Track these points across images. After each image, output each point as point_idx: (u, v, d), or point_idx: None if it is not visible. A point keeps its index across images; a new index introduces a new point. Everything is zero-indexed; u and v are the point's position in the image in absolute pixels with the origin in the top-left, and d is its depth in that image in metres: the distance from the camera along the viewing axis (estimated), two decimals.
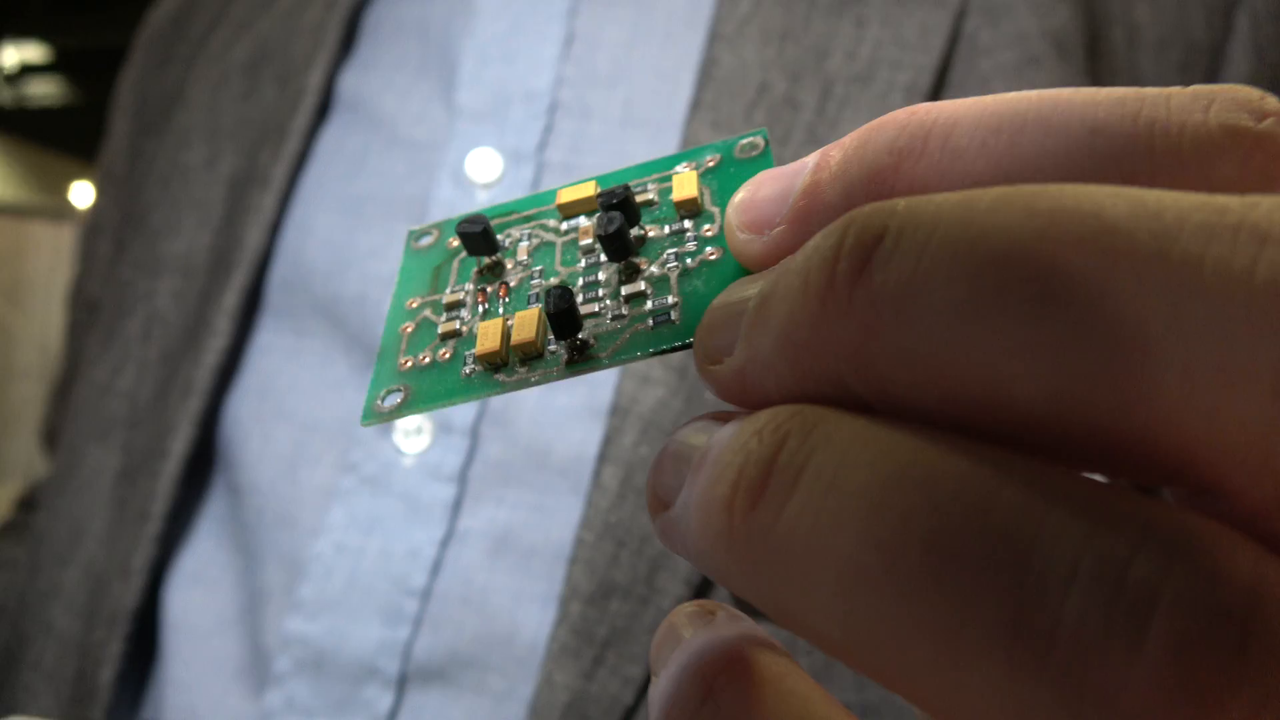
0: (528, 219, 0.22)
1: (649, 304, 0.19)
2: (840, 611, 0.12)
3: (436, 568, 0.44)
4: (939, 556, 0.12)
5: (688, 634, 0.16)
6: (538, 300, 0.20)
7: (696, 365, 0.17)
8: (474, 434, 0.45)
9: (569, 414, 0.45)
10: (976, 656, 0.11)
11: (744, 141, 0.21)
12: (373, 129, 0.52)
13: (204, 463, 0.50)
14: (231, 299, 0.50)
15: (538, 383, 0.18)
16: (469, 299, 0.20)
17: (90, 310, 0.61)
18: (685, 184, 0.20)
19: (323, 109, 0.54)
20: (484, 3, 0.52)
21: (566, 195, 0.21)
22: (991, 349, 0.12)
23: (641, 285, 0.19)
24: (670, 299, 0.19)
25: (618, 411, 0.42)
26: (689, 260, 0.19)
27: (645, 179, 0.22)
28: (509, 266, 0.21)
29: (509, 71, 0.50)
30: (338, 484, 0.47)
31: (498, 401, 0.46)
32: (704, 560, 0.14)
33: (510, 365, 0.19)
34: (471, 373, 0.19)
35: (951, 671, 0.11)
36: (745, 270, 0.18)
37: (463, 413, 0.46)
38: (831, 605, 0.12)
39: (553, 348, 0.19)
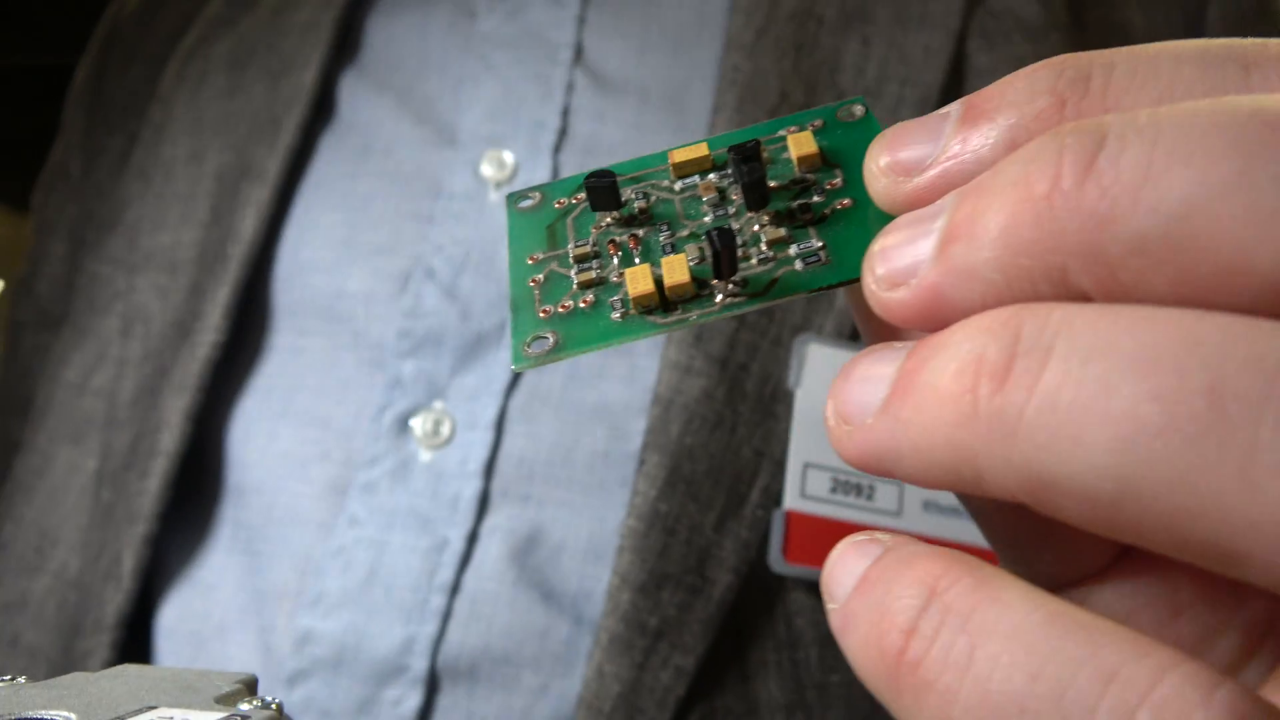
0: (635, 180, 0.23)
1: (793, 248, 0.20)
2: (1116, 466, 0.13)
3: (465, 562, 0.43)
4: (1221, 398, 0.13)
5: (873, 552, 0.16)
6: (671, 249, 0.21)
7: (868, 294, 0.17)
8: (498, 429, 0.44)
9: (595, 409, 0.44)
10: (1271, 477, 0.12)
11: (844, 108, 0.23)
12: (375, 130, 0.51)
13: (193, 461, 0.47)
14: (225, 293, 0.47)
15: (696, 320, 0.20)
16: (600, 250, 0.21)
17: (40, 311, 0.57)
18: (804, 142, 0.22)
19: (318, 109, 0.52)
20: (490, 9, 0.52)
21: (680, 156, 0.22)
22: (1237, 220, 0.13)
23: (783, 230, 0.21)
24: (815, 242, 0.20)
25: (659, 402, 0.42)
26: (824, 209, 0.21)
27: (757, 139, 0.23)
28: (626, 219, 0.22)
29: (520, 73, 0.50)
30: (354, 478, 0.45)
31: (522, 397, 0.45)
32: (938, 449, 0.15)
33: (664, 307, 0.20)
34: (624, 316, 0.20)
35: (1244, 497, 0.12)
36: (885, 213, 0.20)
37: (486, 408, 0.45)
38: (1106, 461, 0.13)
39: (703, 290, 0.20)
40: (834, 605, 0.16)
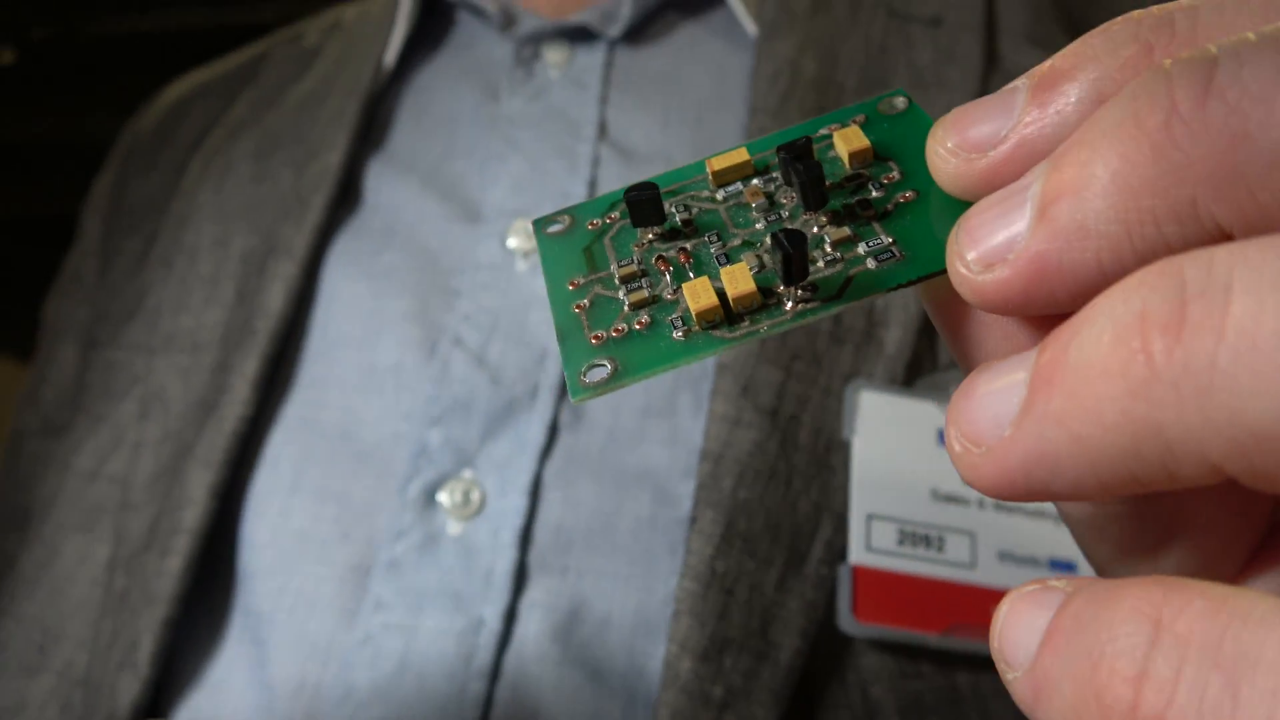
0: (673, 193, 0.21)
1: (861, 246, 0.19)
2: None
3: (504, 643, 0.40)
4: None
5: (1053, 600, 0.13)
6: (726, 259, 0.20)
7: (960, 282, 0.16)
8: (533, 495, 0.42)
9: (638, 474, 0.42)
10: None
11: (885, 101, 0.22)
12: (399, 209, 0.51)
13: (207, 544, 0.44)
14: (253, 365, 0.45)
15: (768, 332, 0.18)
16: (648, 268, 0.20)
17: (44, 419, 0.55)
18: (853, 137, 0.21)
19: (344, 192, 0.52)
20: (512, 92, 0.52)
21: (720, 163, 0.21)
22: None
23: (848, 229, 0.19)
24: (885, 238, 0.19)
25: (709, 456, 0.40)
26: (885, 204, 0.20)
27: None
28: (670, 233, 0.21)
29: (545, 149, 0.50)
30: (378, 557, 0.42)
31: (557, 462, 0.42)
32: (1110, 433, 0.13)
33: (729, 321, 0.18)
34: (687, 334, 0.19)
35: None
36: (957, 200, 0.18)
37: (518, 474, 0.42)
38: None
39: (769, 299, 0.19)
40: (1015, 674, 0.13)
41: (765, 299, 0.18)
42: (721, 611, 0.37)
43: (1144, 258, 0.14)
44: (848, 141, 0.20)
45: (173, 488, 0.45)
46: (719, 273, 0.19)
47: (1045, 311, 0.15)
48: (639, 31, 0.54)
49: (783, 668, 0.37)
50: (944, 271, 0.18)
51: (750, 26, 0.52)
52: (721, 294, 0.18)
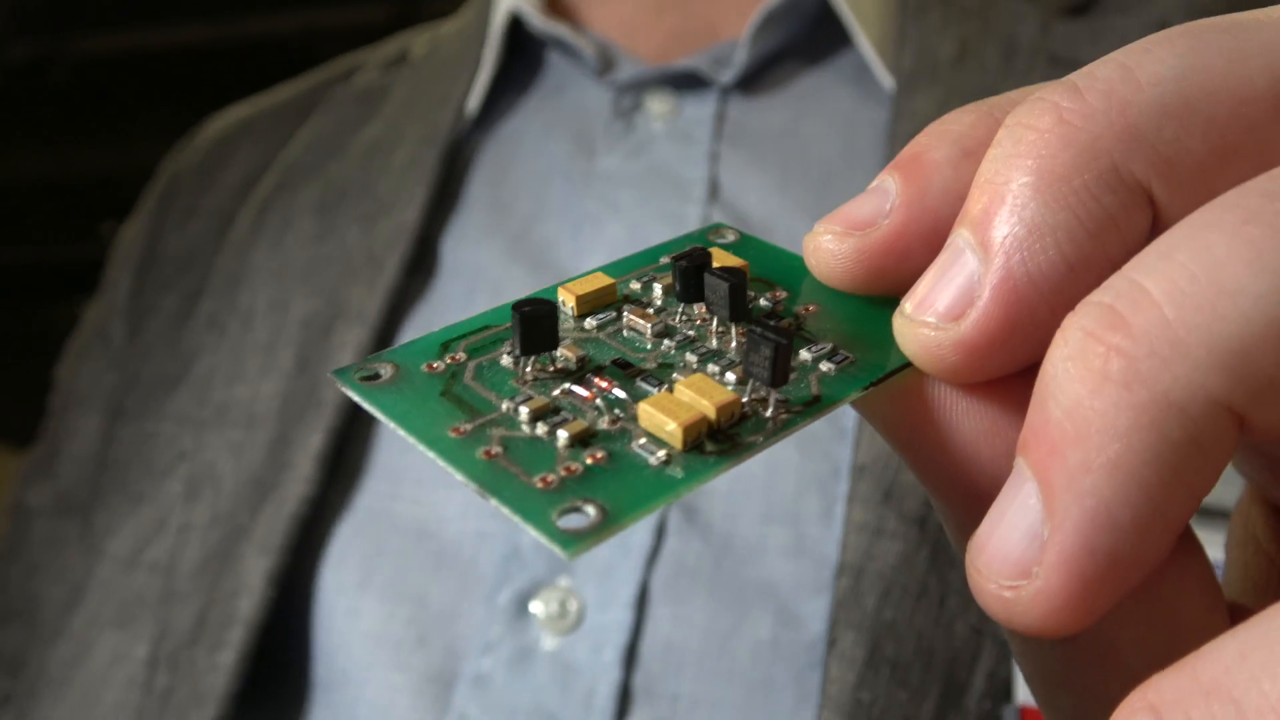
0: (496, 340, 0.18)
1: (804, 353, 0.17)
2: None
3: None
4: None
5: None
6: (654, 380, 0.17)
7: (932, 352, 0.16)
8: (638, 609, 0.37)
9: (759, 589, 0.37)
10: None
11: (713, 231, 0.21)
12: (482, 273, 0.46)
13: (265, 639, 0.39)
14: (318, 440, 0.41)
15: (764, 446, 0.16)
16: (559, 402, 0.17)
17: (59, 496, 0.49)
18: (728, 257, 0.19)
19: (420, 251, 0.47)
20: (610, 148, 0.48)
21: (578, 288, 0.19)
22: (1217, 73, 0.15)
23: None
24: (824, 343, 0.18)
25: (848, 570, 0.35)
26: (790, 318, 0.18)
27: (646, 269, 0.20)
28: (562, 369, 0.18)
29: (647, 212, 0.45)
30: (461, 669, 0.37)
31: (665, 571, 0.38)
32: (1136, 426, 0.13)
33: (712, 438, 0.16)
34: (669, 459, 0.16)
35: None
36: (859, 298, 0.18)
37: (622, 584, 0.37)
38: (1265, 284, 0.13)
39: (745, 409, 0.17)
40: None
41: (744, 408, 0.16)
42: None
43: (1098, 238, 0.14)
44: (722, 260, 0.19)
45: (224, 575, 0.40)
46: (658, 395, 0.17)
47: (1029, 343, 0.15)
48: (755, 79, 0.49)
49: None
50: (908, 366, 0.17)
51: (885, 77, 0.47)
52: (690, 407, 0.16)
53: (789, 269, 0.20)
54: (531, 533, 0.15)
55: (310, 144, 0.54)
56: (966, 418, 0.16)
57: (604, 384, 0.17)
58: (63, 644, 0.42)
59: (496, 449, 0.16)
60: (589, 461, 0.16)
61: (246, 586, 0.39)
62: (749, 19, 0.48)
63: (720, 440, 0.16)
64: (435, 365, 0.18)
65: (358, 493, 0.41)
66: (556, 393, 0.17)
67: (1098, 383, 0.13)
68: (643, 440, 0.16)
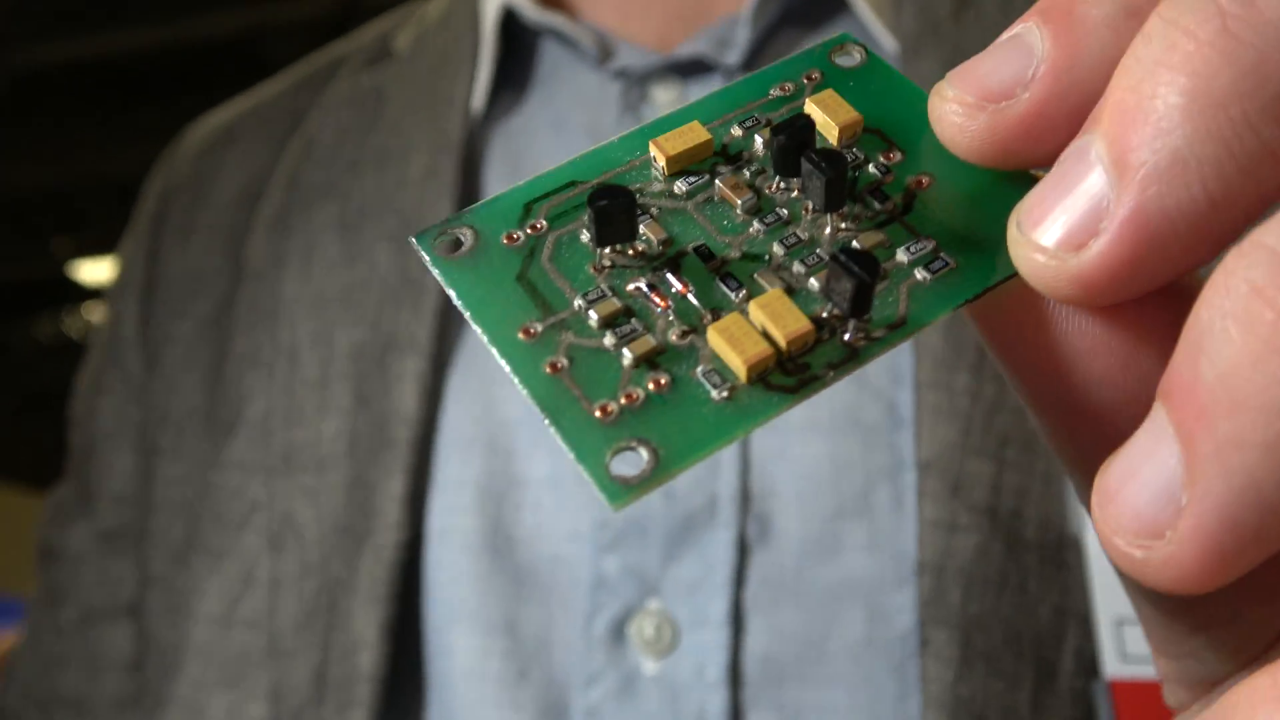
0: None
1: (901, 254, 0.16)
2: None
3: None
4: None
5: None
6: (736, 283, 0.16)
7: (1048, 278, 0.14)
8: (734, 625, 0.38)
9: (843, 588, 0.38)
10: None
11: (835, 48, 0.19)
12: None
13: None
14: (399, 483, 0.41)
15: (834, 379, 0.15)
16: (631, 302, 0.16)
17: (102, 536, 0.49)
18: (838, 106, 0.17)
19: None
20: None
21: (671, 145, 0.17)
22: None
23: (882, 235, 0.16)
24: (925, 242, 0.16)
25: (928, 569, 0.37)
26: (898, 194, 0.16)
27: (752, 107, 0.18)
28: (643, 251, 0.16)
29: None
30: (571, 702, 0.38)
31: (751, 584, 0.39)
32: None
33: (781, 370, 0.15)
34: (732, 394, 0.15)
35: None
36: (991, 181, 0.16)
37: (712, 601, 0.39)
38: None
39: (821, 334, 0.15)
40: None
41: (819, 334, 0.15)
42: None
43: (1251, 175, 0.13)
44: (833, 113, 0.17)
45: (331, 631, 0.40)
46: (736, 304, 0.15)
47: (1158, 280, 0.14)
48: (757, 55, 0.48)
49: None
50: (1014, 276, 0.15)
51: (886, 39, 0.46)
52: (766, 335, 0.15)
53: (913, 114, 0.17)
54: (582, 474, 0.14)
55: (312, 155, 0.52)
56: (1084, 337, 0.15)
57: (680, 287, 0.16)
58: (173, 710, 0.43)
59: (563, 360, 0.15)
60: (650, 388, 0.15)
61: (363, 641, 0.40)
62: None
63: (789, 371, 0.15)
64: (515, 235, 0.17)
65: (429, 513, 0.42)
66: (631, 287, 0.16)
67: (1262, 354, 0.12)
68: (709, 367, 0.15)
